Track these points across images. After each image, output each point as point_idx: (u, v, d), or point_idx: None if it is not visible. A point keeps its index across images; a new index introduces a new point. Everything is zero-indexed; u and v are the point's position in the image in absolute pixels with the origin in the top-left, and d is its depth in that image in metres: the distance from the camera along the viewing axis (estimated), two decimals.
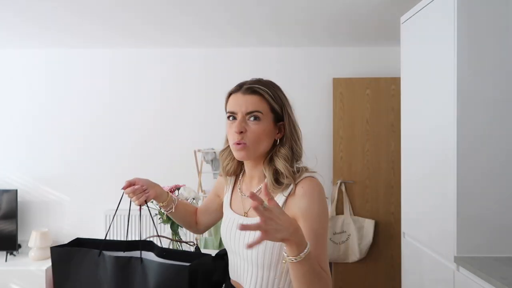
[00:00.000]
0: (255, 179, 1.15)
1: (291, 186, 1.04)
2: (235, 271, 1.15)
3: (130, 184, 1.17)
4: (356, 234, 3.19)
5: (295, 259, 0.83)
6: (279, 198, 1.05)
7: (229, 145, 1.16)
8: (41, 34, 3.01)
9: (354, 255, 3.20)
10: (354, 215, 3.27)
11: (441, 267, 1.78)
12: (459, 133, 1.64)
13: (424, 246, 1.98)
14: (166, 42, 3.27)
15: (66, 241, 3.81)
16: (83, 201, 3.46)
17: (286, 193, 1.04)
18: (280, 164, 1.06)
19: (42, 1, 2.33)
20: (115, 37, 3.13)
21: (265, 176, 1.10)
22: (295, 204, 1.02)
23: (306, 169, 1.08)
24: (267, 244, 1.02)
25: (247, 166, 1.16)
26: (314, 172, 1.08)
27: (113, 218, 1.26)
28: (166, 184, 2.06)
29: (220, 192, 1.32)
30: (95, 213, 3.44)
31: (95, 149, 3.47)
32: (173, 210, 1.28)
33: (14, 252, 3.29)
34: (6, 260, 3.19)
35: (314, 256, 0.88)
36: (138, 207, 1.19)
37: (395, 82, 3.24)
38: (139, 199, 1.17)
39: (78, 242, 1.20)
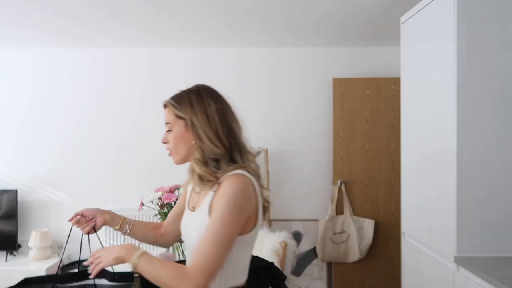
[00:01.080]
0: None
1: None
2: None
3: (77, 215, 1.30)
4: (356, 234, 3.19)
5: (133, 263, 1.06)
6: (209, 195, 1.13)
7: None
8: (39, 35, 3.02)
9: (354, 255, 3.20)
10: (354, 215, 3.27)
11: (441, 267, 1.78)
12: (459, 134, 1.64)
13: (424, 246, 1.98)
14: (166, 42, 3.27)
15: (65, 241, 3.78)
16: (83, 201, 3.45)
17: (214, 188, 1.12)
18: (195, 167, 1.15)
19: (27, 2, 2.34)
20: (111, 38, 3.13)
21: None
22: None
23: (238, 167, 1.12)
24: (202, 229, 1.09)
25: None
26: (243, 168, 1.13)
27: (65, 248, 1.35)
28: (166, 184, 2.07)
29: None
30: None
31: (96, 149, 3.46)
32: (128, 231, 1.35)
33: (14, 252, 3.29)
34: (6, 260, 3.19)
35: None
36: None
37: (395, 82, 3.23)
38: (85, 229, 1.29)
39: (26, 282, 1.20)
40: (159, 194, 1.92)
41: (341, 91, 3.30)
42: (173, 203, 1.88)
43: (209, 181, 1.11)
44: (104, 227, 1.35)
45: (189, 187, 1.31)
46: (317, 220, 3.34)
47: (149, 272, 1.05)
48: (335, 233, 3.23)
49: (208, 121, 1.14)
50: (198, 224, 1.12)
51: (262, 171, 3.26)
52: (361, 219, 3.24)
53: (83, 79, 3.48)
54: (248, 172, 1.13)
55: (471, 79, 1.64)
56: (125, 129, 3.47)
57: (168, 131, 1.20)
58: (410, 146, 2.14)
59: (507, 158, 1.64)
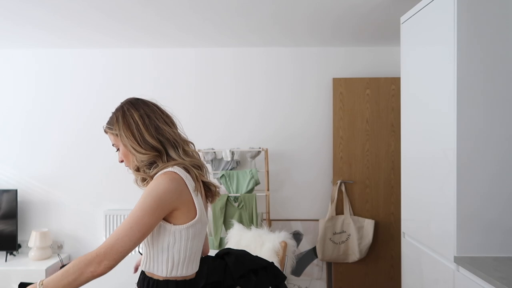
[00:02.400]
0: None
1: None
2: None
3: (137, 265, 1.51)
4: (356, 234, 3.19)
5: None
6: None
7: None
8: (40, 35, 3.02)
9: (354, 255, 3.20)
10: (354, 215, 3.27)
11: (441, 267, 1.78)
12: (459, 133, 1.64)
13: (424, 246, 1.98)
14: (164, 42, 3.27)
15: (66, 241, 3.77)
16: (83, 201, 3.46)
17: None
18: (133, 173, 1.28)
19: (30, 3, 2.34)
20: (112, 38, 3.13)
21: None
22: None
23: (168, 165, 1.20)
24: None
25: None
26: (176, 164, 1.20)
27: None
28: None
29: None
30: (95, 213, 3.44)
31: (96, 149, 3.46)
32: None
33: (14, 252, 3.30)
34: (6, 260, 3.19)
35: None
36: None
37: (395, 82, 3.24)
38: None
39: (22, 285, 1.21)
40: None
41: (341, 91, 3.31)
42: None
43: (146, 180, 1.26)
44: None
45: None
46: (317, 220, 3.34)
47: (59, 282, 1.07)
48: (335, 233, 3.24)
49: (131, 132, 1.21)
50: None
51: (262, 171, 3.28)
52: (361, 219, 3.24)
53: (85, 79, 3.48)
54: (183, 166, 1.20)
55: (471, 79, 1.64)
56: None
57: (117, 151, 1.29)
58: (410, 146, 2.14)
59: (507, 158, 1.64)
